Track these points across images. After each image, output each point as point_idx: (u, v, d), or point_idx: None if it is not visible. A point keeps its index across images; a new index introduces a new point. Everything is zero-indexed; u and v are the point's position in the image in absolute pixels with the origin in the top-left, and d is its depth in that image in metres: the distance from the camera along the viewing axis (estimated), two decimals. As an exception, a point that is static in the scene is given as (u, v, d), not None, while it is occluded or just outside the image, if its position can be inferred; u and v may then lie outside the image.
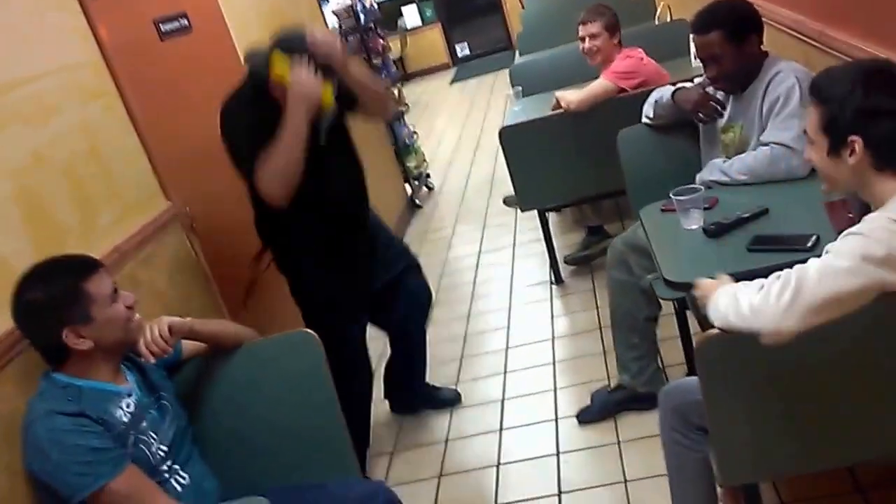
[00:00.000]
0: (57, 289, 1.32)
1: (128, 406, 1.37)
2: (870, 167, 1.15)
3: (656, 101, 2.23)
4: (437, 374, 2.75)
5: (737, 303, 1.14)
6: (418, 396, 2.53)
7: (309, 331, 1.59)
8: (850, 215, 1.51)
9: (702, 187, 1.82)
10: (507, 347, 2.82)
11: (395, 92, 4.77)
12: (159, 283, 1.91)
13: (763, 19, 1.96)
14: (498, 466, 2.19)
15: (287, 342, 1.62)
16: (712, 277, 1.34)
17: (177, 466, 1.42)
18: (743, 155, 1.94)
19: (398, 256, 2.32)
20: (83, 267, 1.36)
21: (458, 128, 6.56)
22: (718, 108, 2.03)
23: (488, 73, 8.35)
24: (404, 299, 2.32)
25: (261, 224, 2.10)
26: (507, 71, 4.05)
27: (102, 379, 1.37)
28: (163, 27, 2.20)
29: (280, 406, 1.60)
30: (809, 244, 1.51)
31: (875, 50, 1.68)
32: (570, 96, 2.78)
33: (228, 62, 2.58)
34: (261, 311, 2.39)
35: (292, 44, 1.84)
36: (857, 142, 1.14)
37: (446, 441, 2.38)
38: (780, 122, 1.85)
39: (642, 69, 2.74)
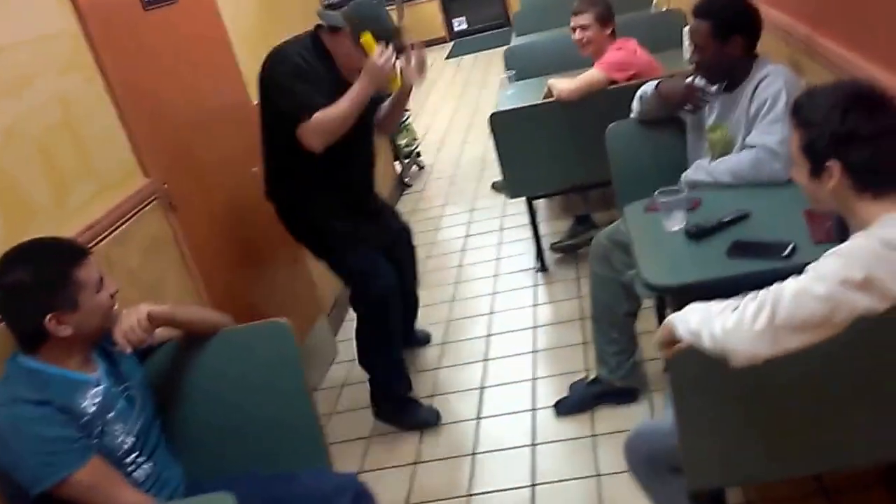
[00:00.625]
0: (47, 273, 1.28)
1: (95, 396, 1.35)
2: (849, 190, 1.14)
3: (640, 97, 2.22)
4: (417, 360, 2.76)
5: (710, 324, 1.12)
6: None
7: (282, 320, 1.57)
8: (829, 224, 1.52)
9: (685, 189, 1.81)
10: (489, 334, 2.82)
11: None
12: (133, 263, 1.88)
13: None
14: (473, 455, 2.22)
15: (261, 331, 1.60)
16: (690, 288, 1.34)
17: (142, 458, 1.41)
18: (728, 157, 1.93)
19: (392, 218, 2.57)
20: (73, 252, 1.34)
21: (452, 105, 6.48)
22: (704, 97, 2.03)
23: (485, 49, 8.24)
24: (401, 258, 2.51)
25: (276, 181, 2.27)
26: (503, 49, 4.00)
27: (72, 367, 1.34)
28: (146, -4, 2.13)
29: (252, 395, 1.59)
30: (786, 253, 1.51)
31: (857, 59, 1.66)
32: (562, 85, 2.74)
33: (214, 34, 2.52)
34: (241, 297, 2.38)
35: (382, 29, 2.06)
36: (836, 166, 1.13)
37: (423, 428, 2.39)
38: (765, 126, 1.85)
39: (635, 61, 2.71)
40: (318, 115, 1.99)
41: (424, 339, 2.84)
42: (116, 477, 1.32)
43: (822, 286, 1.05)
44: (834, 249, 1.11)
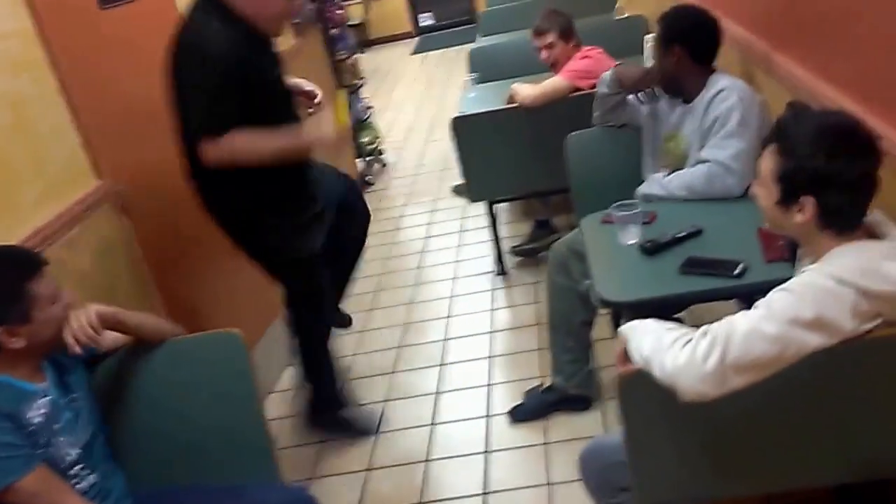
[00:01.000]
0: (0, 286, 1.25)
1: (42, 407, 1.31)
2: (814, 226, 1.13)
3: (602, 79, 2.21)
4: (373, 363, 2.74)
5: (661, 355, 1.11)
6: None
7: (234, 330, 1.54)
8: (781, 243, 1.56)
9: (640, 202, 1.83)
10: (446, 338, 2.82)
11: (351, 63, 4.62)
12: (84, 267, 1.83)
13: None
14: (426, 462, 2.21)
15: (212, 340, 1.57)
16: (643, 304, 1.34)
17: (86, 471, 1.37)
18: (682, 171, 1.97)
19: (333, 181, 2.32)
20: (28, 264, 1.30)
21: (417, 102, 6.44)
22: (653, 90, 2.04)
23: (451, 46, 8.20)
24: (344, 216, 2.32)
25: (202, 182, 1.97)
26: (469, 47, 3.98)
27: (19, 377, 1.30)
28: (104, -5, 2.04)
29: (201, 406, 1.55)
30: (737, 271, 1.54)
31: (812, 78, 1.70)
32: (525, 91, 2.75)
33: (173, 31, 2.43)
34: (194, 300, 2.31)
35: None
36: (809, 202, 1.11)
37: (377, 433, 2.37)
38: (718, 141, 1.88)
39: (599, 69, 2.73)
40: (237, 139, 1.75)
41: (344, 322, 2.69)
42: (62, 485, 1.29)
43: (772, 326, 1.05)
44: (784, 285, 1.10)
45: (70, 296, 1.36)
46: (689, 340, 1.09)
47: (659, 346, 1.12)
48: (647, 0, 4.01)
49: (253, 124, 1.80)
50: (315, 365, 2.28)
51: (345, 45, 4.47)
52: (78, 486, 1.35)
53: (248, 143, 1.79)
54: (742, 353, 1.05)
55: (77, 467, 1.35)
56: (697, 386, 1.06)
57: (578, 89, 2.68)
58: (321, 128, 1.90)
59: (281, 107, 1.97)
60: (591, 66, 2.72)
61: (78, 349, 1.32)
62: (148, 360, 1.54)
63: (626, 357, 1.24)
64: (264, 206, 1.97)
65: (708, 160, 1.88)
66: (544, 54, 2.81)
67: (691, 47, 1.93)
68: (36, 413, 1.29)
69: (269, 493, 1.51)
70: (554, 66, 2.81)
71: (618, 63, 2.23)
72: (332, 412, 2.35)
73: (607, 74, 2.20)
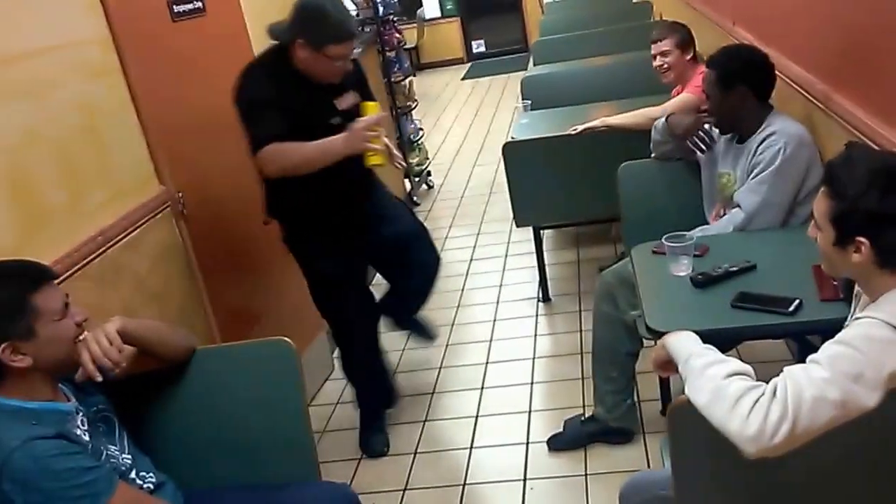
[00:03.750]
0: (1, 298, 1.19)
1: (82, 423, 1.29)
2: (872, 264, 1.12)
3: (655, 126, 2.25)
4: (414, 381, 2.75)
5: (725, 413, 1.06)
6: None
7: (285, 339, 1.58)
8: (836, 282, 1.52)
9: (694, 235, 1.82)
10: (487, 362, 2.81)
11: (406, 86, 4.73)
12: (142, 269, 1.90)
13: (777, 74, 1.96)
14: (464, 486, 2.20)
15: (264, 348, 1.61)
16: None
17: (143, 472, 1.40)
18: (722, 220, 2.00)
19: (399, 216, 2.38)
20: (33, 276, 1.23)
21: (465, 126, 6.52)
22: (706, 140, 2.08)
23: (501, 73, 8.31)
24: (412, 267, 2.38)
25: (268, 193, 2.16)
26: (519, 75, 4.03)
27: (46, 398, 1.25)
28: (176, 8, 2.16)
29: (249, 410, 1.59)
30: (791, 308, 1.51)
31: (873, 121, 1.67)
32: (651, 112, 2.66)
33: (239, 48, 2.54)
34: (243, 308, 2.38)
35: (339, 29, 1.96)
36: (865, 244, 1.11)
37: (415, 453, 2.38)
38: (751, 184, 1.91)
39: None
40: (275, 148, 1.90)
41: (428, 334, 2.65)
42: (144, 495, 1.30)
43: (836, 390, 1.03)
44: (845, 337, 1.07)
45: (82, 313, 1.29)
46: (756, 402, 1.04)
47: (721, 396, 1.07)
48: (681, 9, 4.00)
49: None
50: (349, 373, 2.46)
51: (400, 67, 4.58)
52: (143, 487, 1.37)
53: (290, 150, 1.92)
54: (810, 423, 1.02)
55: (134, 471, 1.37)
56: (764, 454, 1.04)
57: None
58: (353, 132, 1.93)
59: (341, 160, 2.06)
60: None
61: (97, 376, 1.25)
62: (202, 366, 1.59)
63: (665, 364, 1.25)
64: (306, 218, 2.15)
65: (738, 204, 1.91)
66: (658, 61, 2.75)
67: (755, 86, 1.93)
68: (81, 430, 1.27)
69: (314, 490, 1.53)
70: (666, 74, 2.75)
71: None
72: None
73: (661, 122, 2.22)
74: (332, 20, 1.95)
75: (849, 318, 1.24)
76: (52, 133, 1.65)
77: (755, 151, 1.92)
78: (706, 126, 2.10)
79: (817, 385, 1.03)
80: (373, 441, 2.41)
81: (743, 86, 1.92)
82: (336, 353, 2.97)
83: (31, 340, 1.20)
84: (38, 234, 1.58)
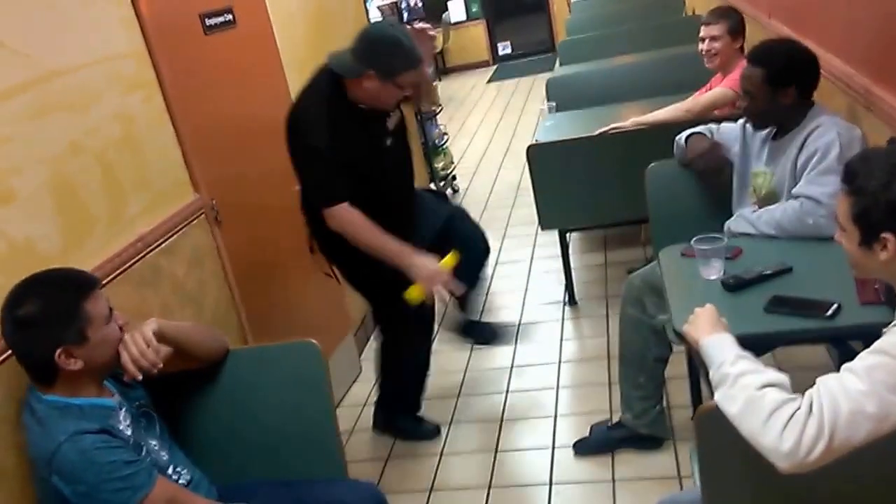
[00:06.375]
0: (55, 306, 1.26)
1: (125, 419, 1.35)
2: None
3: (676, 141, 2.22)
4: (441, 384, 2.75)
5: (758, 427, 1.03)
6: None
7: (312, 340, 1.60)
8: (877, 287, 1.47)
9: (725, 237, 1.78)
10: (513, 366, 2.80)
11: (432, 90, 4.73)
12: (178, 273, 1.94)
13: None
14: (489, 489, 2.19)
15: (292, 349, 1.64)
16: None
17: (180, 468, 1.43)
18: (772, 207, 1.89)
19: (438, 208, 2.41)
20: (82, 284, 1.31)
21: (491, 129, 6.51)
22: (719, 165, 2.08)
23: (527, 75, 8.27)
24: (458, 242, 2.29)
25: (311, 218, 2.17)
26: (547, 76, 4.00)
27: (92, 395, 1.32)
28: (208, 21, 2.20)
29: (278, 410, 1.62)
30: (829, 312, 1.47)
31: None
32: (686, 106, 2.66)
33: (269, 60, 2.58)
34: (273, 310, 2.41)
35: (410, 60, 1.96)
36: (891, 239, 1.08)
37: (441, 455, 2.37)
38: (814, 177, 1.80)
39: None
40: (349, 215, 1.96)
41: (493, 335, 2.73)
42: (183, 489, 1.33)
43: (874, 403, 0.99)
44: (883, 345, 1.03)
45: (123, 317, 1.36)
46: (792, 417, 1.01)
47: (754, 408, 1.05)
48: (715, 3, 3.94)
49: (362, 190, 2.00)
50: (388, 370, 2.42)
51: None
52: (178, 482, 1.40)
53: (357, 227, 1.98)
54: (847, 437, 1.00)
55: (171, 467, 1.41)
56: (798, 470, 1.01)
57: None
58: (428, 265, 1.96)
59: (391, 175, 2.14)
60: None
61: (139, 375, 1.31)
62: (233, 366, 1.63)
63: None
64: (356, 255, 2.09)
65: (801, 196, 1.81)
66: (707, 45, 2.70)
67: (804, 84, 1.87)
68: (124, 426, 1.32)
69: (340, 487, 1.55)
70: (712, 59, 2.71)
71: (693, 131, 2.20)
72: (392, 415, 2.45)
73: (682, 138, 2.19)
74: (405, 48, 1.93)
75: (892, 323, 1.20)
76: (94, 144, 1.70)
77: (801, 146, 1.84)
78: (719, 154, 2.08)
79: (854, 398, 1.00)
80: (423, 428, 2.43)
81: (793, 85, 1.85)
82: (363, 355, 2.99)
83: (83, 345, 1.27)
84: (82, 241, 1.63)
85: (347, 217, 1.97)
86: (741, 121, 2.08)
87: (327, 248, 2.24)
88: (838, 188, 1.74)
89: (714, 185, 2.13)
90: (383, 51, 1.93)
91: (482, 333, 2.91)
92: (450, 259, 1.99)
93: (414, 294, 1.96)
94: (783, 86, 1.85)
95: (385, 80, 1.95)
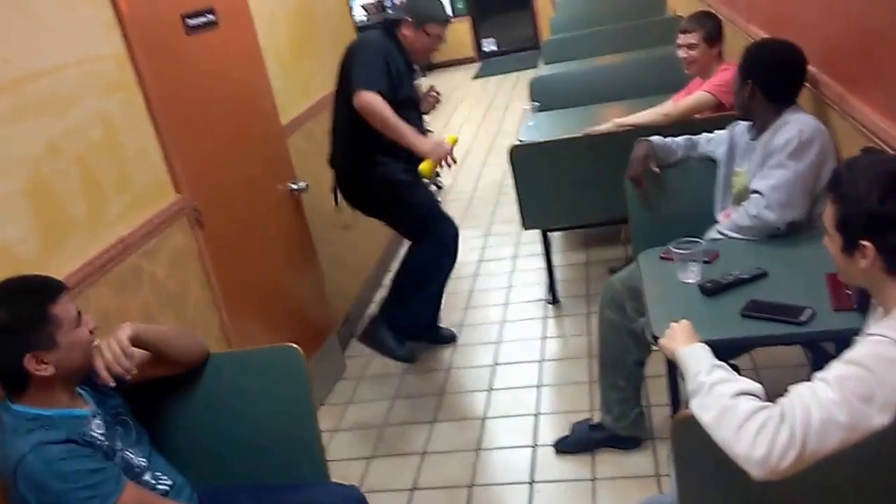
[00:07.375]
0: (22, 311, 1.25)
1: (98, 427, 1.34)
2: (881, 271, 1.10)
3: (637, 142, 2.27)
4: (422, 382, 2.77)
5: (732, 434, 1.05)
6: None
7: (294, 345, 1.60)
8: (849, 292, 1.51)
9: (702, 241, 1.81)
10: (495, 364, 2.82)
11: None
12: (160, 275, 1.93)
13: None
14: (471, 487, 2.21)
15: (274, 353, 1.64)
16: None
17: (158, 473, 1.43)
18: (736, 210, 1.95)
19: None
20: (49, 289, 1.30)
21: (475, 126, 6.52)
22: (642, 176, 2.19)
23: (512, 72, 8.28)
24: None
25: (342, 152, 2.66)
26: (531, 72, 4.01)
27: (64, 406, 1.32)
28: (190, 22, 2.18)
29: (260, 411, 1.62)
30: (804, 318, 1.50)
31: (888, 125, 1.65)
32: (665, 109, 2.71)
33: (251, 59, 2.56)
34: (257, 311, 2.40)
35: (441, 15, 2.68)
36: (869, 248, 1.09)
37: (423, 454, 2.39)
38: (765, 171, 1.87)
39: None
40: (380, 100, 2.37)
41: (446, 338, 3.01)
42: (152, 495, 1.34)
43: (845, 413, 1.01)
44: (856, 356, 1.05)
45: (92, 322, 1.36)
46: (764, 425, 1.03)
47: (727, 416, 1.07)
48: (695, 5, 3.98)
49: (392, 103, 2.43)
50: (408, 291, 2.73)
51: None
52: (157, 488, 1.40)
53: (386, 111, 2.39)
54: (819, 446, 1.01)
55: (148, 474, 1.41)
56: (770, 477, 1.03)
57: (721, 105, 2.59)
58: (439, 141, 2.55)
59: (408, 111, 2.55)
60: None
61: (111, 381, 1.32)
62: (215, 371, 1.62)
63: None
64: (391, 171, 2.60)
65: (751, 191, 1.88)
66: (683, 53, 2.73)
67: (763, 86, 1.91)
68: (97, 433, 1.32)
69: (323, 491, 1.55)
70: (690, 66, 2.74)
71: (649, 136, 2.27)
72: (399, 335, 2.72)
73: (639, 146, 2.24)
74: (436, 3, 2.64)
75: (862, 329, 1.23)
76: (73, 146, 1.68)
77: (767, 143, 1.89)
78: (646, 166, 2.19)
79: (826, 407, 1.02)
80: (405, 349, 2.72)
81: (751, 83, 1.90)
82: (347, 352, 3.00)
83: (53, 350, 1.26)
84: (61, 244, 1.61)
85: (380, 101, 2.38)
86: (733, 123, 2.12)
87: (360, 195, 2.69)
88: (782, 178, 1.82)
89: (641, 193, 2.23)
90: (421, 3, 2.59)
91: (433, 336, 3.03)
92: (451, 138, 2.54)
93: (426, 167, 2.46)
94: (743, 80, 1.93)
95: (417, 28, 2.55)
